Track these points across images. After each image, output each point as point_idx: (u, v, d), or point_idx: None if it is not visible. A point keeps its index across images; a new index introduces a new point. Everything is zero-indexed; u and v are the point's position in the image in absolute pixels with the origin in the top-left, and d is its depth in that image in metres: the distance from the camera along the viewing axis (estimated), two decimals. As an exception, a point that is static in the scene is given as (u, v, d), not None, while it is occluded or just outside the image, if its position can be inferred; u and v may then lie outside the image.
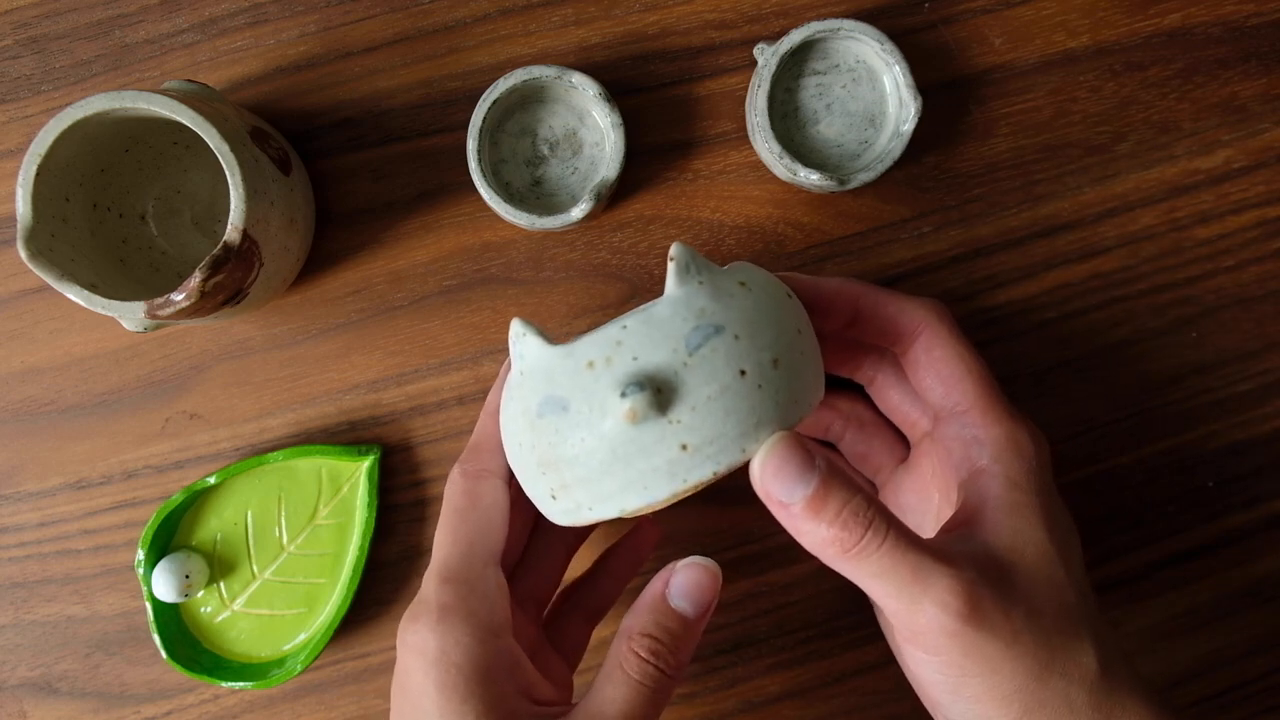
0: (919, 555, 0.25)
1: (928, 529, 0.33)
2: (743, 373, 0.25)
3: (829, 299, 0.32)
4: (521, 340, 0.28)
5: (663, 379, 0.25)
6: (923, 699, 0.31)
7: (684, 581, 0.29)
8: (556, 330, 0.39)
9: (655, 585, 0.29)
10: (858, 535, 0.25)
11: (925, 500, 0.33)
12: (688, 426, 0.25)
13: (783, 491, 0.25)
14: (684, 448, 0.25)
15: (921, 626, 0.26)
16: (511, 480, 0.31)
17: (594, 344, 0.26)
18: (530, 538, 0.35)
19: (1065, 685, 0.26)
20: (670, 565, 0.30)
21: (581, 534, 0.36)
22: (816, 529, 0.25)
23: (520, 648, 0.29)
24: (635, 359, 0.25)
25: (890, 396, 0.35)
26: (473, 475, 0.31)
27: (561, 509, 0.28)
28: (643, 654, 0.28)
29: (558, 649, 0.33)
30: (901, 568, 0.25)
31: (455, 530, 0.30)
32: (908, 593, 0.25)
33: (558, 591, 0.36)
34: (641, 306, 0.27)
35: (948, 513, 0.32)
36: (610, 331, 0.26)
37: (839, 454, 0.37)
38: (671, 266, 0.27)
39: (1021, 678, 0.26)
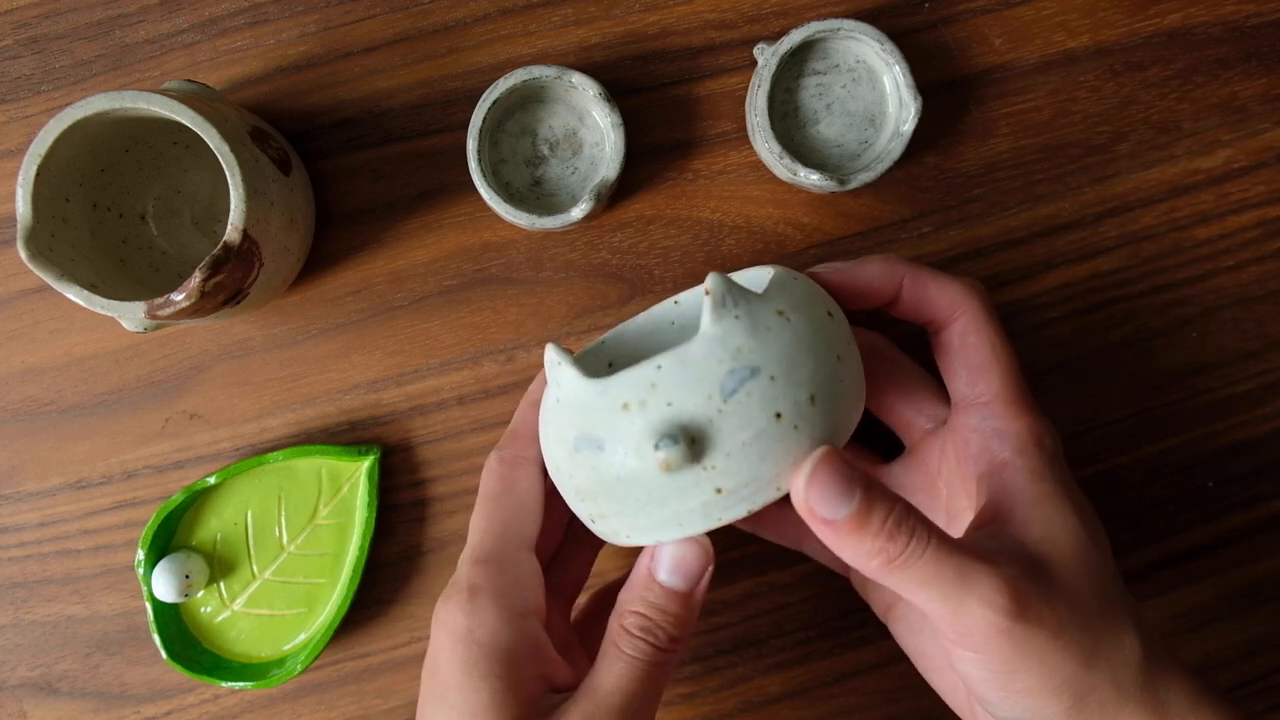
0: (961, 557, 0.25)
1: (941, 526, 0.33)
2: (779, 415, 0.25)
3: (872, 286, 0.31)
4: (557, 369, 0.28)
5: (696, 428, 0.25)
6: (960, 702, 0.31)
7: (668, 556, 0.29)
8: (557, 331, 0.39)
9: (642, 561, 0.29)
10: (902, 545, 0.25)
11: (934, 498, 0.33)
12: (722, 472, 0.25)
13: (828, 510, 0.25)
14: (718, 490, 0.25)
15: (969, 628, 0.25)
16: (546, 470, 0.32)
17: (629, 385, 0.26)
18: (564, 531, 0.35)
19: (1112, 670, 0.27)
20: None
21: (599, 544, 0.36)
22: (860, 543, 0.25)
23: (546, 634, 0.29)
24: (670, 404, 0.25)
25: (885, 397, 0.35)
26: (509, 462, 0.31)
27: (601, 530, 0.29)
28: (633, 630, 0.28)
29: (588, 649, 0.33)
30: (946, 572, 0.25)
31: (489, 515, 0.30)
32: (954, 596, 0.25)
33: (592, 593, 0.36)
34: (678, 346, 0.26)
35: (958, 507, 0.32)
36: (645, 372, 0.26)
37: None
38: (707, 301, 0.26)
39: (1071, 667, 0.26)
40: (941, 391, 0.34)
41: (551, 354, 0.28)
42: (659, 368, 0.25)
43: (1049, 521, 0.28)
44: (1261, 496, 0.39)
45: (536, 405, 0.32)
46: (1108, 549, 0.30)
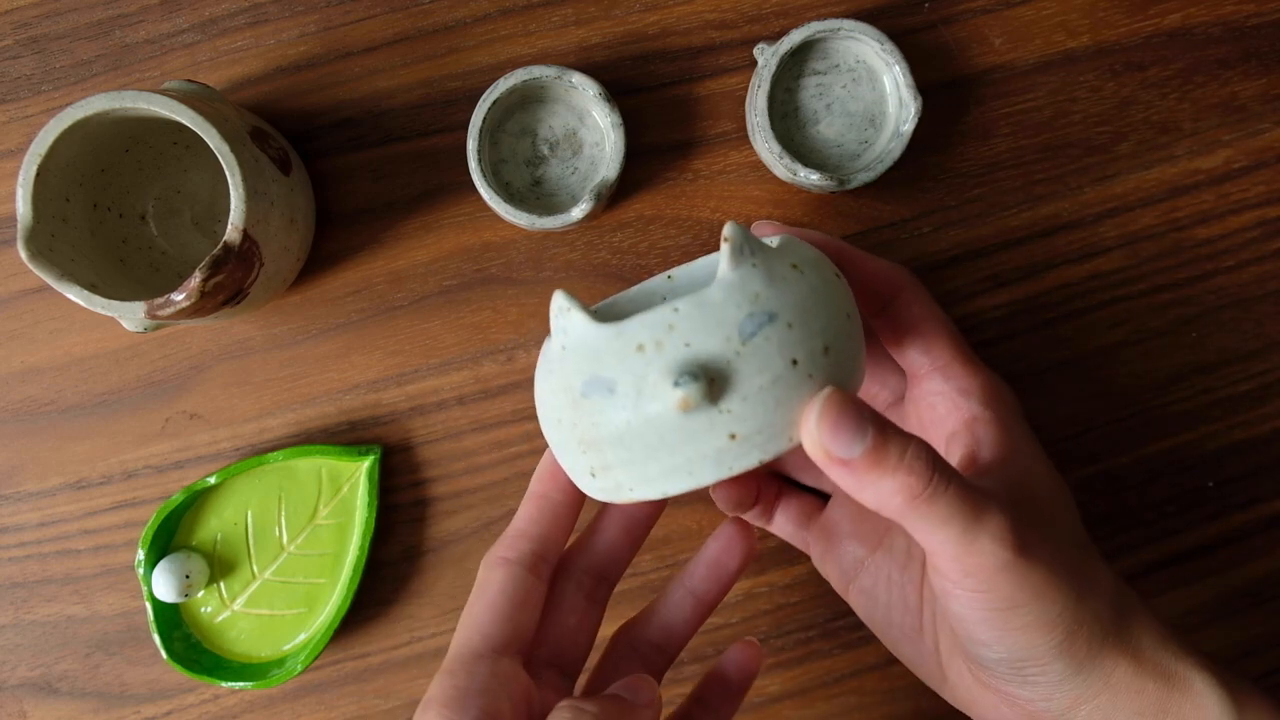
0: (977, 495, 0.26)
1: None
2: (795, 362, 0.25)
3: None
4: (565, 315, 0.27)
5: (716, 368, 0.25)
6: (930, 668, 0.31)
7: (621, 681, 0.29)
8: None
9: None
10: (925, 479, 0.25)
11: None
12: (738, 416, 0.25)
13: (842, 448, 0.25)
14: (732, 436, 0.25)
15: (975, 565, 0.26)
16: (539, 567, 0.30)
17: (645, 326, 0.25)
18: (552, 608, 0.33)
19: (1096, 603, 0.27)
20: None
21: (601, 604, 0.34)
22: (880, 480, 0.25)
23: None
24: (688, 345, 0.25)
25: None
26: (489, 564, 0.30)
27: (600, 487, 0.28)
28: (562, 703, 0.27)
29: None
30: (965, 510, 0.25)
31: (461, 623, 0.30)
32: (969, 533, 0.25)
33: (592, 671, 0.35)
34: (693, 289, 0.26)
35: None
36: (663, 314, 0.25)
37: None
38: (726, 248, 0.26)
39: (1064, 601, 0.26)
40: (898, 365, 0.34)
41: (560, 300, 0.27)
42: (676, 309, 0.25)
43: (1024, 469, 0.29)
44: (1261, 496, 0.39)
45: (534, 501, 0.31)
46: (1070, 494, 0.31)
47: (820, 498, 0.37)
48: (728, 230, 0.26)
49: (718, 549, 0.33)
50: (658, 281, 0.34)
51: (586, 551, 0.32)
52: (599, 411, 0.26)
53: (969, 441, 0.30)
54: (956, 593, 0.27)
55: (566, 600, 0.32)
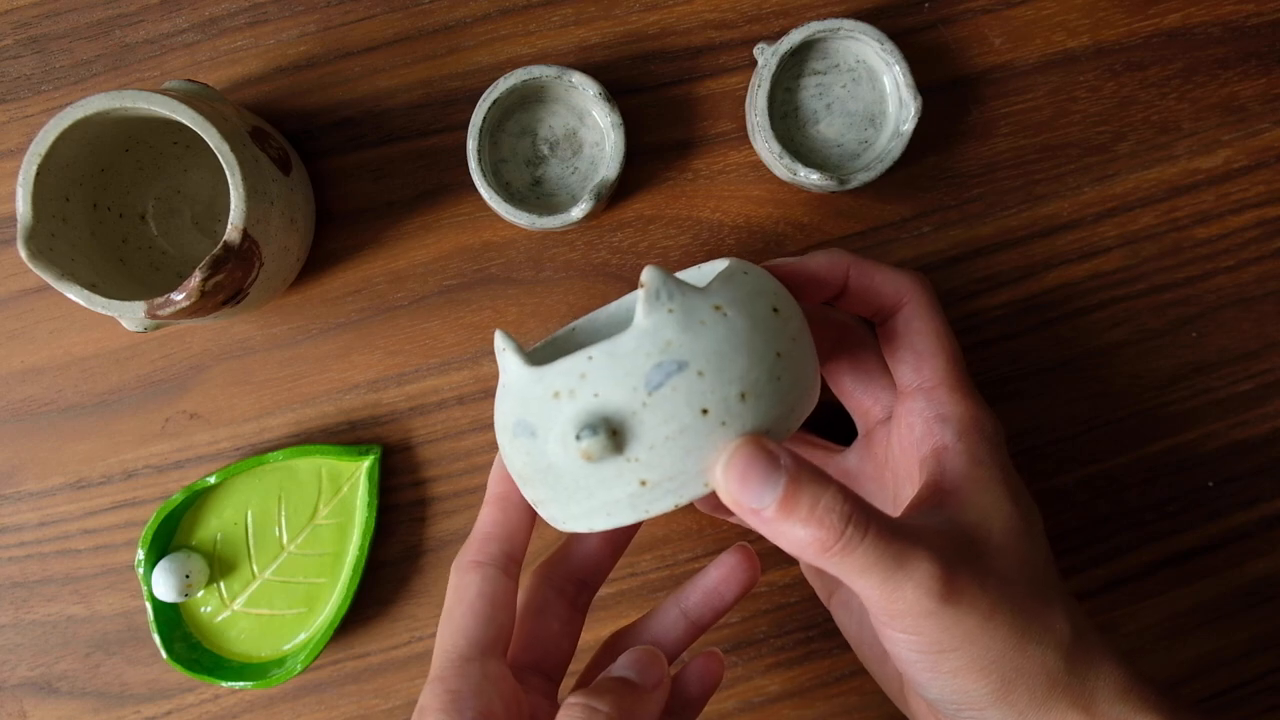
0: (900, 543, 0.25)
1: (888, 511, 0.33)
2: (705, 411, 0.25)
3: (818, 278, 0.32)
4: (502, 354, 0.28)
5: (619, 420, 0.25)
6: (894, 690, 0.31)
7: (624, 659, 0.29)
8: (556, 330, 0.39)
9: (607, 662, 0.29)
10: (836, 532, 0.25)
11: (882, 486, 0.33)
12: (645, 464, 0.25)
13: (751, 498, 0.25)
14: (643, 483, 0.25)
15: (900, 610, 0.26)
16: (510, 567, 0.31)
17: (561, 374, 0.26)
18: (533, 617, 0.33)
19: (1041, 651, 0.26)
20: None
21: (583, 610, 0.34)
22: (792, 530, 0.25)
23: None
24: (596, 395, 0.25)
25: (844, 382, 0.35)
26: (461, 569, 0.30)
27: (544, 515, 0.29)
28: (573, 700, 0.27)
29: None
30: (885, 559, 0.25)
31: (442, 631, 0.30)
32: (891, 581, 0.25)
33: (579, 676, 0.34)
34: (612, 336, 0.26)
35: (905, 495, 0.32)
36: (577, 362, 0.26)
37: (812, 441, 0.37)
38: (640, 295, 0.26)
39: (999, 647, 0.26)
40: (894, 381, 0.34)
41: (499, 340, 0.28)
42: (590, 358, 0.26)
43: (984, 506, 0.29)
44: (1261, 496, 0.39)
45: (495, 503, 0.31)
46: (1042, 535, 0.30)
47: None
48: (645, 276, 0.26)
49: (718, 577, 0.33)
50: (628, 300, 0.34)
51: (569, 558, 0.33)
52: (526, 452, 0.27)
53: (934, 469, 0.30)
54: (887, 633, 0.27)
55: (550, 606, 0.32)
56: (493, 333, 0.39)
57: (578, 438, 0.25)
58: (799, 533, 0.25)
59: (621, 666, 0.29)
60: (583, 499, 0.26)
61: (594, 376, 0.25)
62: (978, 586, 0.26)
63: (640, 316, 0.26)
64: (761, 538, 0.38)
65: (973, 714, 0.27)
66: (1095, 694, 0.27)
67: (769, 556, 0.39)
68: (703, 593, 0.33)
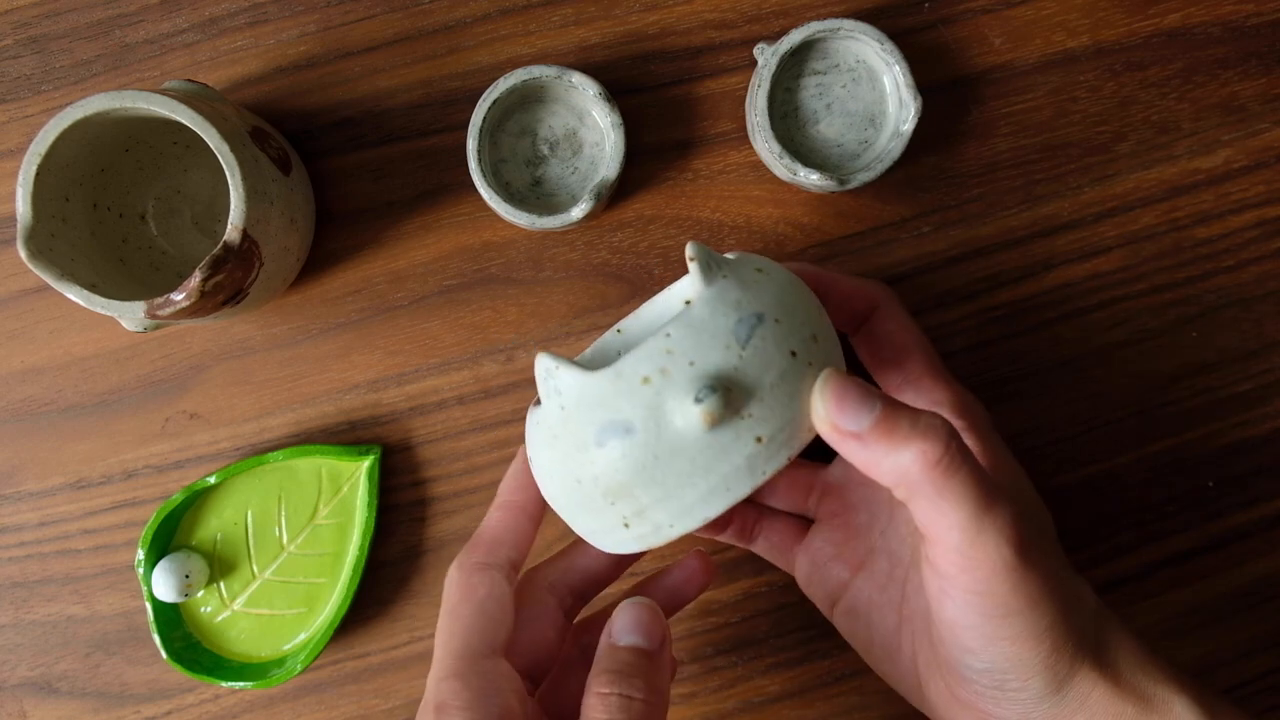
0: (989, 482, 0.25)
1: (884, 517, 0.34)
2: (793, 354, 0.26)
3: None
4: (555, 375, 0.26)
5: (727, 377, 0.25)
6: (909, 684, 0.31)
7: (624, 621, 0.29)
8: (557, 331, 0.39)
9: (601, 640, 0.29)
10: (944, 444, 0.24)
11: (875, 493, 0.34)
12: (759, 418, 0.25)
13: (849, 421, 0.25)
14: (759, 440, 0.25)
15: (977, 560, 0.25)
16: (512, 574, 0.31)
17: (643, 359, 0.25)
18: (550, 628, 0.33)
19: (1081, 619, 0.27)
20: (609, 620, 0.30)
21: (573, 616, 0.34)
22: (895, 449, 0.25)
23: None
24: (692, 364, 0.25)
25: None
26: (468, 569, 0.30)
27: (636, 534, 0.27)
28: (605, 690, 0.27)
29: None
30: (979, 494, 0.25)
31: (450, 628, 0.29)
32: (976, 520, 0.25)
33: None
34: (672, 316, 0.26)
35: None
36: (657, 343, 0.25)
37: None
38: (694, 266, 0.26)
39: (1053, 614, 0.26)
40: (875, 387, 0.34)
41: (546, 362, 0.27)
42: (668, 335, 0.25)
43: (1011, 482, 0.29)
44: (1261, 496, 0.39)
45: (509, 509, 0.31)
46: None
47: (803, 522, 0.37)
48: (691, 250, 0.27)
49: (681, 578, 0.34)
50: (609, 338, 0.34)
51: (572, 570, 0.33)
52: (621, 456, 0.25)
53: None
54: (953, 593, 0.26)
55: (549, 614, 0.32)
56: (493, 333, 0.39)
57: (697, 400, 0.24)
58: (902, 451, 0.25)
59: (627, 631, 0.29)
60: (699, 480, 0.25)
61: (681, 349, 0.25)
62: (1038, 550, 0.26)
63: (701, 286, 0.26)
64: (722, 548, 0.38)
65: (1019, 683, 0.27)
66: (1118, 664, 0.27)
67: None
68: (665, 592, 0.34)
